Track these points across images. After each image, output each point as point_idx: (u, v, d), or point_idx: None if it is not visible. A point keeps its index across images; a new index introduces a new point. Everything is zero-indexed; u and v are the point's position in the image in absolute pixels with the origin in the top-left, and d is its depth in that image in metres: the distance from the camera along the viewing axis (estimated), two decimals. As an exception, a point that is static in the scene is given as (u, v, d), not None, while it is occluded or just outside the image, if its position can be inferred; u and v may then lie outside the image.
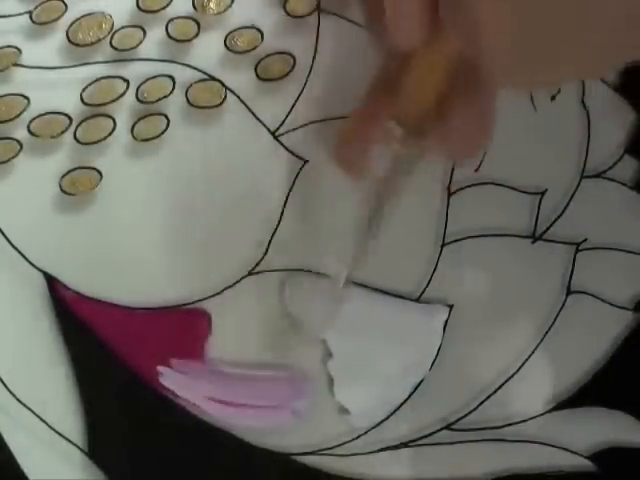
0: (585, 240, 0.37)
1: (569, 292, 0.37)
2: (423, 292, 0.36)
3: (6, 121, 0.34)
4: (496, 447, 0.36)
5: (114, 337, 0.34)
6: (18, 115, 0.34)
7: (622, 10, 0.23)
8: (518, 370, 0.36)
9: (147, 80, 0.34)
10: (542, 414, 0.36)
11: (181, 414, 0.34)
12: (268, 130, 0.35)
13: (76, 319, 0.34)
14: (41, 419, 0.33)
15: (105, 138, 0.34)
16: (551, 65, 0.25)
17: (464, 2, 0.24)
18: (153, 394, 0.34)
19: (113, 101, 0.34)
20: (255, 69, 0.35)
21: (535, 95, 0.37)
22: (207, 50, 0.35)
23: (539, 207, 0.37)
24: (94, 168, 0.34)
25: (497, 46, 0.24)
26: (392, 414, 0.35)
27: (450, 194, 0.36)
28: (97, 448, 0.34)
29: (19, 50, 0.34)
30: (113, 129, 0.34)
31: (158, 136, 0.34)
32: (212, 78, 0.35)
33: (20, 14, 0.34)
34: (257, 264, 0.35)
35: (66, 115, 0.34)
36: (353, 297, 0.35)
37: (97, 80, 0.34)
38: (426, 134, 0.29)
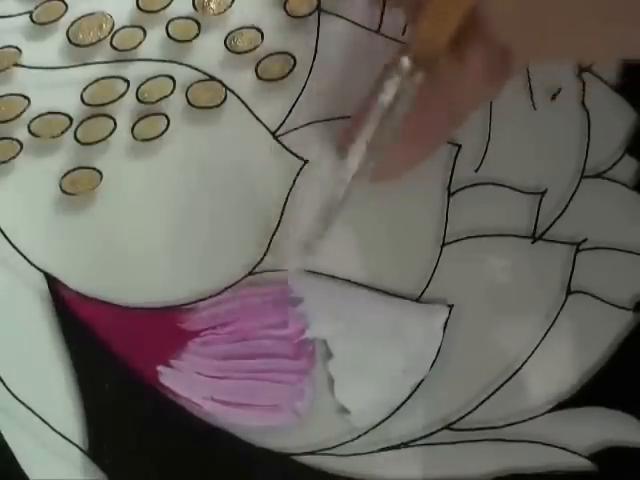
0: (585, 240, 0.37)
1: (569, 292, 0.37)
2: (423, 292, 0.36)
3: (6, 121, 0.34)
4: (496, 447, 0.36)
5: (114, 337, 0.34)
6: (18, 115, 0.34)
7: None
8: (518, 370, 0.36)
9: (147, 80, 0.34)
10: (542, 414, 0.36)
11: (181, 414, 0.34)
12: (268, 130, 0.35)
13: (76, 319, 0.34)
14: (41, 419, 0.33)
15: (105, 138, 0.34)
16: (554, 38, 0.25)
17: None
18: (153, 394, 0.34)
19: (113, 101, 0.34)
20: (255, 69, 0.35)
21: (535, 94, 0.37)
22: (207, 50, 0.35)
23: (539, 207, 0.37)
24: (94, 168, 0.34)
25: (503, 10, 0.24)
26: (392, 414, 0.35)
27: (450, 194, 0.36)
28: (97, 448, 0.34)
29: (19, 50, 0.34)
30: (113, 129, 0.34)
31: (158, 136, 0.34)
32: (212, 78, 0.35)
33: (20, 14, 0.34)
34: (257, 264, 0.35)
35: (66, 115, 0.34)
36: (353, 297, 0.35)
37: (97, 80, 0.34)
38: (435, 69, 0.29)
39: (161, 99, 0.34)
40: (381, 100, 0.29)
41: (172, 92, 0.34)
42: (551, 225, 0.37)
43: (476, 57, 0.28)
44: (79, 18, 0.34)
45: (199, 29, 0.35)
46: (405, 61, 0.28)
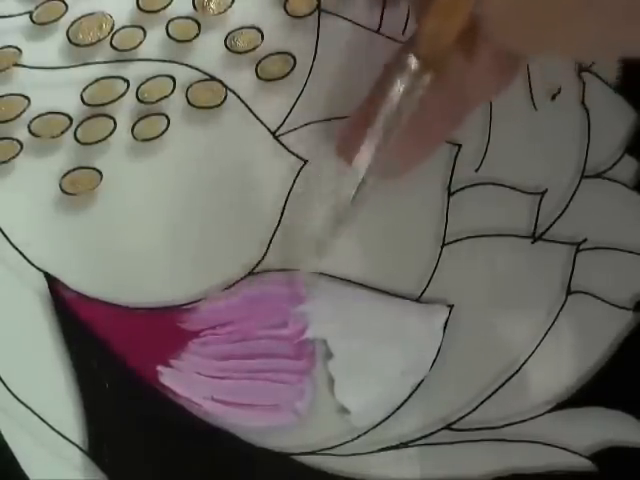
0: (585, 240, 0.37)
1: (569, 292, 0.37)
2: (423, 292, 0.36)
3: (6, 121, 0.34)
4: (496, 447, 0.36)
5: (114, 337, 0.34)
6: (18, 115, 0.34)
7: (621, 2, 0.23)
8: (518, 370, 0.36)
9: (147, 80, 0.34)
10: (542, 414, 0.36)
11: (181, 414, 0.34)
12: (268, 130, 0.35)
13: (76, 319, 0.34)
14: (41, 419, 0.33)
15: (105, 138, 0.34)
16: (546, 36, 0.25)
17: None
18: (153, 394, 0.34)
19: (113, 101, 0.34)
20: (255, 69, 0.35)
21: (535, 94, 0.37)
22: (207, 50, 0.35)
23: (539, 207, 0.37)
24: (94, 168, 0.34)
25: (497, 9, 0.24)
26: (392, 414, 0.35)
27: (450, 194, 0.36)
28: (97, 448, 0.34)
29: (19, 50, 0.34)
30: (113, 129, 0.34)
31: (158, 136, 0.34)
32: (212, 78, 0.35)
33: (20, 14, 0.34)
34: (257, 264, 0.35)
35: (66, 115, 0.34)
36: (353, 297, 0.35)
37: (97, 80, 0.34)
38: (444, 69, 0.28)
39: (161, 99, 0.34)
40: (388, 101, 0.28)
41: (172, 92, 0.34)
42: (551, 225, 0.37)
43: (485, 52, 0.28)
44: (79, 18, 0.34)
45: (199, 29, 0.35)
46: (413, 61, 0.28)
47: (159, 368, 0.34)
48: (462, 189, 0.36)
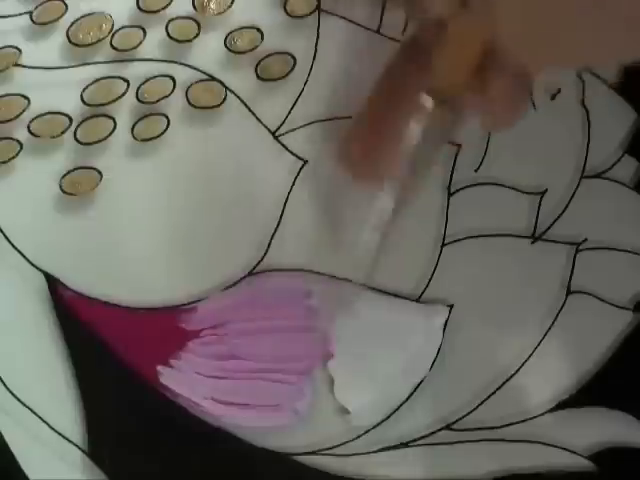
0: (585, 240, 0.37)
1: (569, 292, 0.37)
2: (423, 292, 0.36)
3: (6, 121, 0.34)
4: (496, 447, 0.36)
5: (114, 337, 0.34)
6: (18, 115, 0.34)
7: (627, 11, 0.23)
8: (518, 370, 0.36)
9: (147, 80, 0.34)
10: (542, 414, 0.36)
11: (181, 414, 0.34)
12: (268, 130, 0.35)
13: (76, 319, 0.34)
14: (41, 419, 0.33)
15: (105, 138, 0.34)
16: (556, 49, 0.25)
17: None
18: (153, 394, 0.34)
19: (113, 101, 0.34)
20: (255, 69, 0.35)
21: (535, 94, 0.37)
22: (207, 50, 0.35)
23: (539, 207, 0.37)
24: (94, 168, 0.34)
25: (507, 19, 0.25)
26: (392, 414, 0.35)
27: (450, 194, 0.36)
28: (97, 448, 0.34)
29: (19, 50, 0.34)
30: (113, 129, 0.34)
31: (158, 136, 0.34)
32: (212, 78, 0.35)
33: (20, 14, 0.34)
34: (257, 264, 0.35)
35: (66, 115, 0.34)
36: (353, 297, 0.35)
37: (97, 80, 0.34)
38: (459, 105, 0.29)
39: (161, 99, 0.34)
40: (409, 141, 0.29)
41: (172, 92, 0.35)
42: (551, 225, 0.37)
43: (498, 87, 0.29)
44: (79, 18, 0.34)
45: (199, 29, 0.35)
46: (428, 100, 0.28)
47: (159, 368, 0.34)
48: (462, 189, 0.36)
